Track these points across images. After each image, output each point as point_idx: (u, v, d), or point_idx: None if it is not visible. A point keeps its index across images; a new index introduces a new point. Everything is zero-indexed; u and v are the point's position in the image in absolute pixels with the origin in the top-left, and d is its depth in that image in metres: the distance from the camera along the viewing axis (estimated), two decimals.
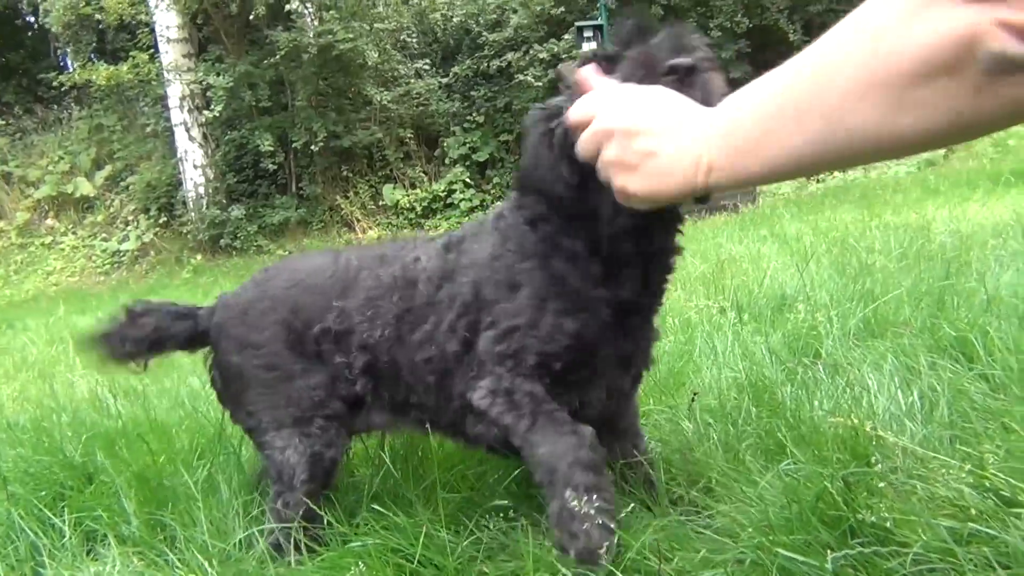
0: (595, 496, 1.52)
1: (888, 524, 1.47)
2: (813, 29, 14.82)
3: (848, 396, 2.33)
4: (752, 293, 4.07)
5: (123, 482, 2.23)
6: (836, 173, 13.57)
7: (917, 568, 1.42)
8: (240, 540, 1.94)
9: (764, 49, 15.07)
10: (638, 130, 1.20)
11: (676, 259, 1.78)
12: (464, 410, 1.85)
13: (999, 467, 1.65)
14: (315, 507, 1.95)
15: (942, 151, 15.87)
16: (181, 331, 2.15)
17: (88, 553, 2.08)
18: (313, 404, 1.99)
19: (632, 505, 1.77)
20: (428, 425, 2.01)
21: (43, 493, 2.34)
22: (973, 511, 1.52)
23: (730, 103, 1.10)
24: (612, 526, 1.53)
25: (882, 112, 0.86)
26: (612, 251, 1.67)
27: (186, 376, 4.08)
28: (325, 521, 1.93)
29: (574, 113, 1.35)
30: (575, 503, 1.50)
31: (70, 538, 2.08)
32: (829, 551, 1.44)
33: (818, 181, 13.54)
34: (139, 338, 2.12)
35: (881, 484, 1.59)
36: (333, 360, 2.01)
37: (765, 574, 1.44)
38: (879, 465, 1.65)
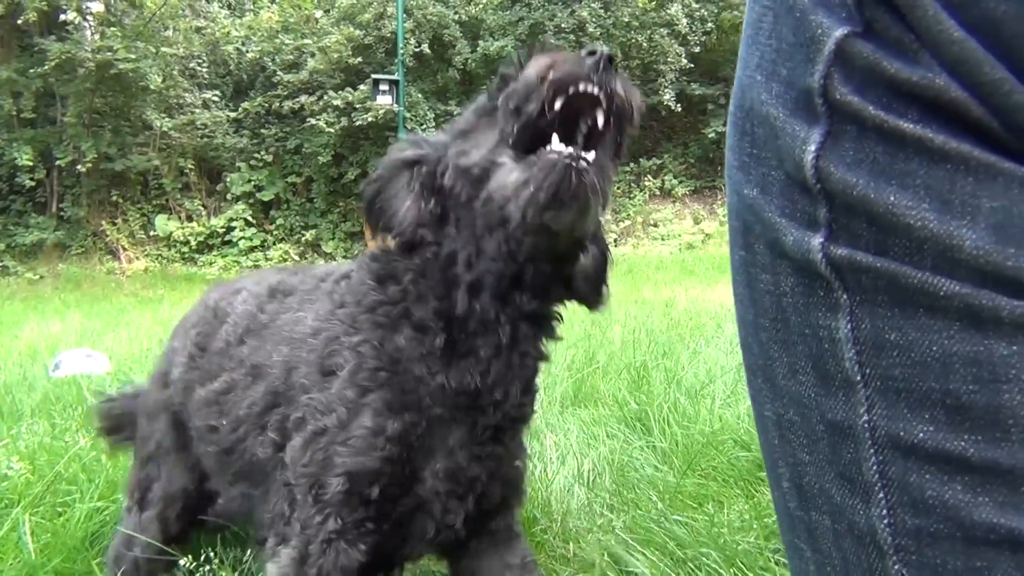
0: None
1: None
2: None
3: (540, 460, 2.52)
4: None
5: None
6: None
7: None
8: None
9: None
10: None
11: (548, 340, 1.37)
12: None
13: (630, 531, 1.87)
14: None
15: (701, 236, 17.48)
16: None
17: None
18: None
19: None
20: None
21: None
22: (598, 572, 1.71)
23: None
24: None
25: None
26: (468, 311, 1.27)
27: None
28: None
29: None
30: None
31: None
32: None
33: None
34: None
35: None
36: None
37: None
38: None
